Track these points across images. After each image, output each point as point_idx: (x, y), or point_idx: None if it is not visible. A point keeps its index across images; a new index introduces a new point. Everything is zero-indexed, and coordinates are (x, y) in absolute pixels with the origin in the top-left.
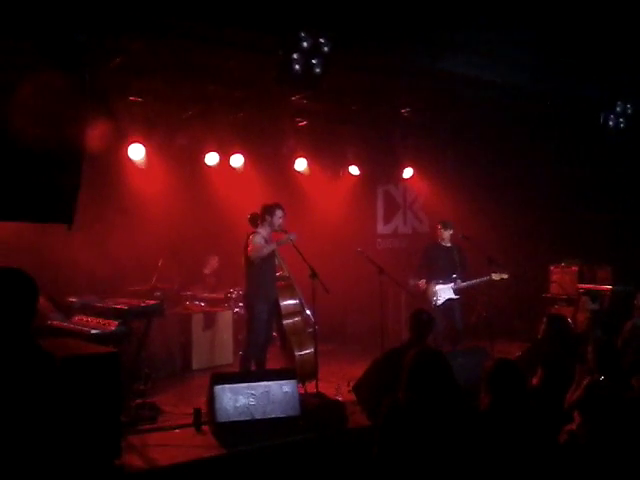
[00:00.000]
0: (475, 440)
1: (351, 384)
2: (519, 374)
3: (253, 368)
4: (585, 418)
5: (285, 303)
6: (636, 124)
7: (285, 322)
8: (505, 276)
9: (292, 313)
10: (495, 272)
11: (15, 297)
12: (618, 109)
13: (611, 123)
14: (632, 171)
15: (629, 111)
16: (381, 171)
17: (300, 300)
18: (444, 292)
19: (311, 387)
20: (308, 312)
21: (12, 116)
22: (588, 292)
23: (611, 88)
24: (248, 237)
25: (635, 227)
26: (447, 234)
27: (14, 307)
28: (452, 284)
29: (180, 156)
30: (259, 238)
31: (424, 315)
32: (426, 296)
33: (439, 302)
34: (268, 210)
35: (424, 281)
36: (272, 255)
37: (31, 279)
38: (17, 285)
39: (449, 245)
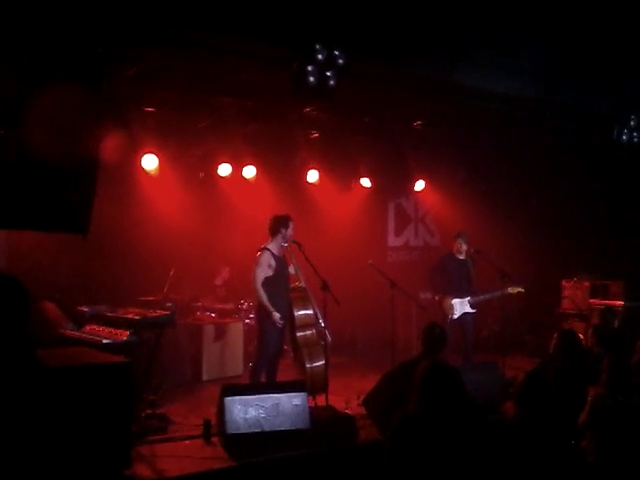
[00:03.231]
0: (501, 451)
1: (361, 398)
2: (549, 388)
3: (263, 380)
4: (592, 434)
5: (299, 314)
6: None
7: (298, 334)
8: (521, 289)
9: (305, 325)
10: (511, 286)
11: (5, 303)
12: (632, 123)
13: (624, 137)
14: None
15: None
16: (393, 184)
17: (314, 311)
18: (461, 306)
19: (321, 400)
20: (322, 324)
21: (29, 127)
22: (601, 308)
23: (625, 102)
24: (257, 254)
25: None
26: (464, 247)
27: (4, 313)
28: (468, 298)
29: (193, 167)
30: (264, 260)
31: (437, 329)
32: (441, 309)
33: (455, 316)
34: (283, 222)
35: (438, 296)
36: (285, 267)
37: (20, 283)
38: (6, 290)
39: (463, 258)
